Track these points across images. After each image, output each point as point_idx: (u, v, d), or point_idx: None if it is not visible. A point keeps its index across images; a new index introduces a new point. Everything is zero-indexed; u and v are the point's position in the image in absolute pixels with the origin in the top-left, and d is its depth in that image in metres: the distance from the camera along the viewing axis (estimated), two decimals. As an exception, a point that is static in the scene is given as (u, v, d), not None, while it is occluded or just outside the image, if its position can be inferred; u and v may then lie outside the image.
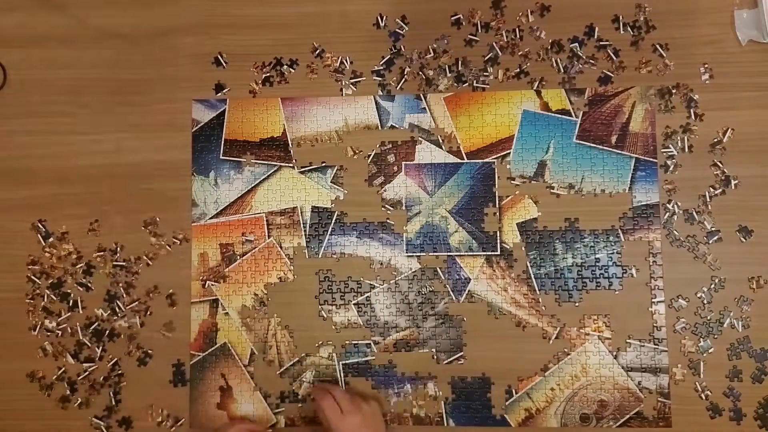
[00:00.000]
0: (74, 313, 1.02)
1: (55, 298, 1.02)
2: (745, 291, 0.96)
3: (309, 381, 0.99)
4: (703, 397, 0.95)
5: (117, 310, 1.02)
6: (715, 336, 0.96)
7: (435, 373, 0.98)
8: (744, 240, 0.97)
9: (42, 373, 1.02)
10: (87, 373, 1.01)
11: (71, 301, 1.02)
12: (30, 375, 1.02)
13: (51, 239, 1.03)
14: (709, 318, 0.96)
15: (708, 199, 0.97)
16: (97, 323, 1.02)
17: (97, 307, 1.02)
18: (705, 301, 0.96)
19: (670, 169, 0.98)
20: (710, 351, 0.96)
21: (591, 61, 1.00)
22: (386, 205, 1.01)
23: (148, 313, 1.02)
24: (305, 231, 1.02)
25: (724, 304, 0.96)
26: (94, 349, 1.01)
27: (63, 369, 1.01)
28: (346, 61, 1.03)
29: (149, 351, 1.01)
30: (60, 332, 1.02)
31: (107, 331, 1.01)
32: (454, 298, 0.99)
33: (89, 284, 1.02)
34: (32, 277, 1.03)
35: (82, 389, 1.01)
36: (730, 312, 0.96)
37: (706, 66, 0.99)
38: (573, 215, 0.99)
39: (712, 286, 0.97)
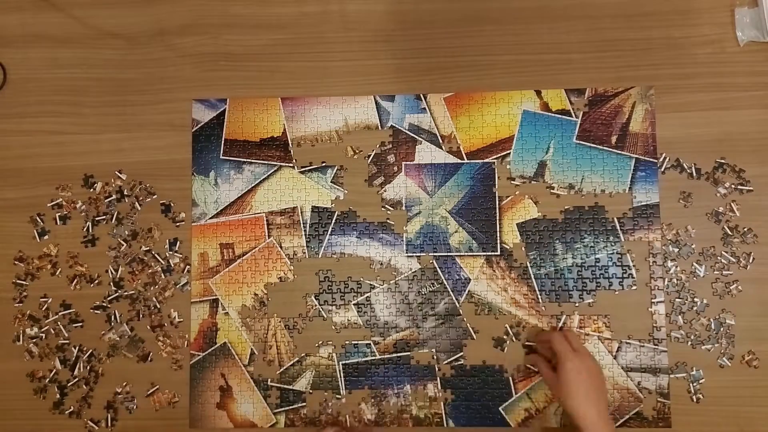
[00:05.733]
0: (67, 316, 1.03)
1: (34, 306, 1.03)
2: (746, 290, 0.96)
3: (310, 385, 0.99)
4: (703, 398, 0.96)
5: (113, 318, 1.02)
6: (715, 339, 0.96)
7: (435, 373, 0.99)
8: (745, 239, 0.97)
9: (42, 373, 1.02)
10: (76, 379, 1.02)
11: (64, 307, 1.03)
12: (30, 375, 1.02)
13: (46, 236, 1.04)
14: (708, 318, 0.96)
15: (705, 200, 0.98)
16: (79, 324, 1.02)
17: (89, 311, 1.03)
18: (705, 301, 0.97)
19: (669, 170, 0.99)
20: (709, 352, 0.96)
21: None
22: (386, 205, 1.01)
23: (149, 315, 1.02)
24: (305, 231, 1.02)
25: (723, 305, 0.96)
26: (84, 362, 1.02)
27: (55, 371, 1.02)
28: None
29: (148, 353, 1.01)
30: (53, 334, 1.02)
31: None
32: (454, 298, 0.99)
33: (86, 285, 1.03)
34: (18, 281, 1.03)
35: (72, 397, 1.01)
36: (729, 313, 0.96)
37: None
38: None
39: (713, 286, 0.97)
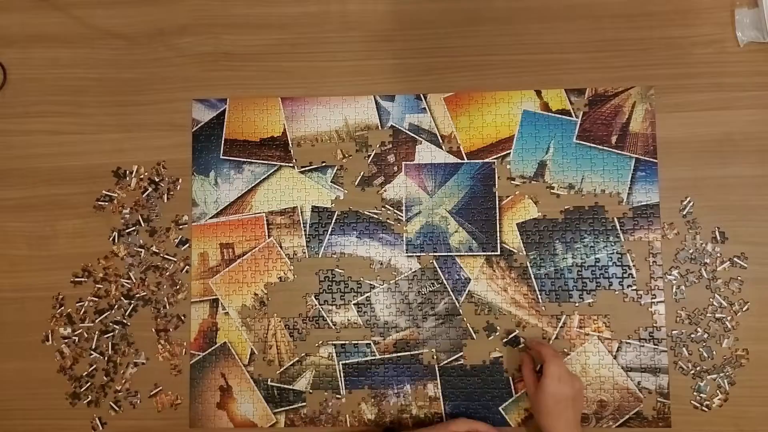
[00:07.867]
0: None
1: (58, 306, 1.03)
2: (746, 290, 0.96)
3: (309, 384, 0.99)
4: (703, 397, 0.96)
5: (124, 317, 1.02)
6: (716, 338, 0.96)
7: (435, 373, 0.99)
8: (744, 239, 0.97)
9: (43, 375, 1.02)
10: (92, 367, 1.02)
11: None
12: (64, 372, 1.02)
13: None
14: (707, 318, 0.96)
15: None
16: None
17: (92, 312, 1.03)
18: (704, 301, 0.97)
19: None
20: (708, 351, 0.96)
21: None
22: (386, 205, 1.01)
23: (154, 318, 1.02)
24: (305, 231, 1.02)
25: (723, 305, 0.96)
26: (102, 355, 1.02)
27: (73, 364, 1.02)
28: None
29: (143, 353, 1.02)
30: (77, 338, 1.02)
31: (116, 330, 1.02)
32: (454, 298, 0.99)
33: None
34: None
35: (90, 389, 1.02)
36: (730, 312, 0.96)
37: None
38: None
39: (712, 286, 0.97)
